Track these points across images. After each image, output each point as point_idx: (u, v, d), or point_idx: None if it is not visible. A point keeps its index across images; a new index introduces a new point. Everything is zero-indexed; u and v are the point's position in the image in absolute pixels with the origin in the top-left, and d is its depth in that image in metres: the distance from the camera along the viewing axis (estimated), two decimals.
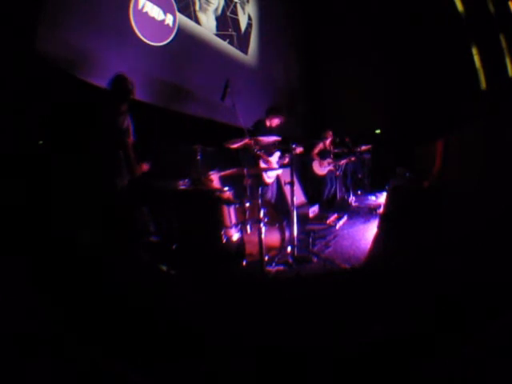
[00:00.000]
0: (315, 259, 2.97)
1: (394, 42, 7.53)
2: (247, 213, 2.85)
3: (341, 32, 8.15)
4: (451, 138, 3.55)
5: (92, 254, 2.40)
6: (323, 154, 5.68)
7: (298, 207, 3.70)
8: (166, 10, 4.34)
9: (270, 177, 4.20)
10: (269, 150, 4.02)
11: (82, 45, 3.33)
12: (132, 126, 2.73)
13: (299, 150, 3.95)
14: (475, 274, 1.75)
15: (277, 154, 4.14)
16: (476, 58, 6.94)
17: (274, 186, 4.41)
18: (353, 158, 5.89)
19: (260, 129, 3.99)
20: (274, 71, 7.15)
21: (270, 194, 4.33)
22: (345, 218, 4.68)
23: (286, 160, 4.15)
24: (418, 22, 7.08)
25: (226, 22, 5.57)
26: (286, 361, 1.51)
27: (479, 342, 1.34)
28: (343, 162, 5.72)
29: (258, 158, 3.95)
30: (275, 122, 4.16)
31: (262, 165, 3.99)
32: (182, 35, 4.58)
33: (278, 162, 4.18)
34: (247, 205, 2.87)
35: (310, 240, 3.38)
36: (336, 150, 5.72)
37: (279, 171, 4.23)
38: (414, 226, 2.56)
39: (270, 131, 4.04)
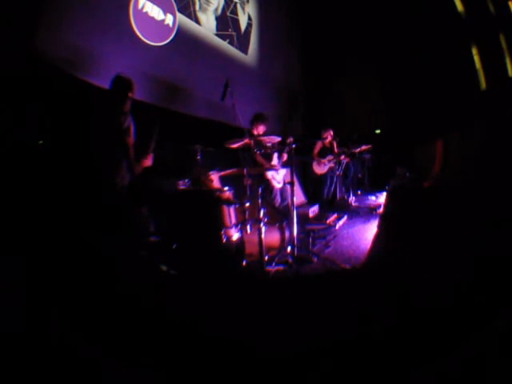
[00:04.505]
0: (315, 259, 2.97)
1: (395, 41, 7.53)
2: (247, 213, 2.85)
3: (341, 32, 8.15)
4: (451, 137, 3.55)
5: (91, 253, 2.40)
6: (323, 153, 5.69)
7: (298, 207, 3.70)
8: (166, 9, 4.34)
9: (279, 181, 4.16)
10: (267, 154, 4.01)
11: (81, 45, 3.33)
12: (133, 126, 2.73)
13: (290, 140, 3.91)
14: (475, 273, 1.75)
15: (275, 156, 4.13)
16: (476, 58, 6.94)
17: (288, 191, 4.34)
18: (345, 158, 5.87)
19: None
20: (274, 71, 7.15)
21: (280, 200, 4.26)
22: (345, 218, 4.68)
23: (285, 158, 4.14)
24: (418, 22, 7.08)
25: (226, 21, 5.57)
26: (285, 361, 1.51)
27: (479, 342, 1.34)
28: (343, 157, 5.73)
29: (261, 164, 3.93)
30: (261, 129, 4.13)
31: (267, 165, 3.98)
32: (182, 35, 4.58)
33: (279, 163, 4.17)
34: (247, 205, 2.87)
35: (310, 240, 3.38)
36: (337, 150, 5.73)
37: (283, 171, 4.21)
38: (414, 225, 2.56)
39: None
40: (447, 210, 2.50)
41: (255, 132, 4.10)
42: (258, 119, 4.13)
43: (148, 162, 2.79)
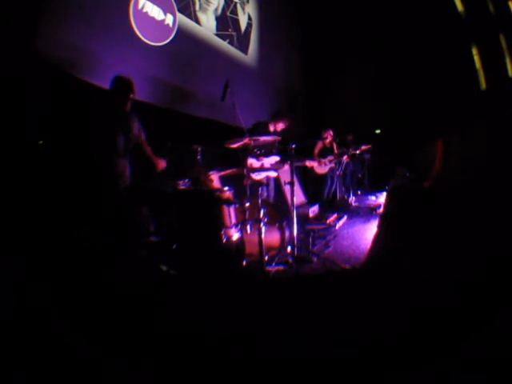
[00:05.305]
0: (315, 259, 2.97)
1: (394, 41, 7.54)
2: (247, 213, 2.85)
3: (341, 32, 8.15)
4: (451, 138, 3.55)
5: (93, 253, 2.40)
6: (324, 153, 5.69)
7: (298, 207, 3.69)
8: (166, 9, 4.34)
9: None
10: (266, 151, 3.96)
11: (81, 45, 3.33)
12: (140, 125, 2.75)
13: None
14: (475, 273, 1.75)
15: (273, 159, 4.08)
16: (476, 58, 6.94)
17: (272, 186, 4.35)
18: (347, 158, 5.87)
19: (260, 130, 3.94)
20: (274, 71, 7.15)
21: (266, 194, 4.25)
22: (345, 218, 4.68)
23: (285, 167, 4.06)
24: (418, 22, 7.09)
25: (226, 22, 5.57)
26: (285, 361, 1.51)
27: (479, 342, 1.34)
28: (345, 157, 5.73)
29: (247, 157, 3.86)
30: (280, 126, 4.09)
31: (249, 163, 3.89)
32: (182, 35, 4.58)
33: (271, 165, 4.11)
34: (247, 205, 2.87)
35: (310, 240, 3.37)
36: (338, 150, 5.73)
37: (273, 174, 4.16)
38: (414, 225, 2.56)
39: (272, 135, 3.99)
40: (447, 209, 2.50)
41: (272, 128, 4.07)
42: (278, 116, 4.09)
43: (163, 163, 2.89)
